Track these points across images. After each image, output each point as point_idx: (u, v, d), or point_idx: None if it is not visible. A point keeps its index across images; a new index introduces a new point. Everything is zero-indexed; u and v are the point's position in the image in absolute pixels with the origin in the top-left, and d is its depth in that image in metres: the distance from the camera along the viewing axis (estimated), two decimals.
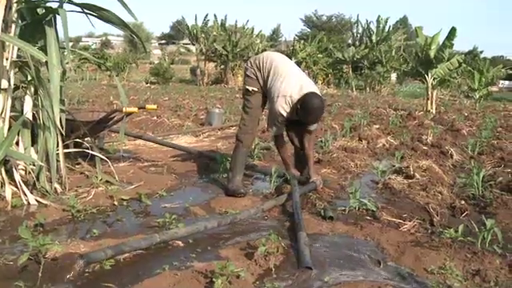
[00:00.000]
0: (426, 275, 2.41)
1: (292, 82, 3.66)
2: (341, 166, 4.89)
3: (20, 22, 3.53)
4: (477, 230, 2.89)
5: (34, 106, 3.61)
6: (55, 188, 3.50)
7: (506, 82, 40.64)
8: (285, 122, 3.78)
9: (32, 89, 3.59)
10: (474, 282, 2.35)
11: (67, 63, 4.28)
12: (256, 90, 3.86)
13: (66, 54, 3.86)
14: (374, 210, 3.39)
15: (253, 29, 30.93)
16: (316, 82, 28.16)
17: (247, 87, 3.91)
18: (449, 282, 2.32)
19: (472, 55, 34.53)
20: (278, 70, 3.74)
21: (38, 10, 3.61)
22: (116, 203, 3.38)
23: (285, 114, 3.65)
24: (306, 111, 3.59)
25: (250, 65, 3.96)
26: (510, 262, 2.60)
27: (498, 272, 2.45)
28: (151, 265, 2.36)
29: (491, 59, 24.62)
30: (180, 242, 2.66)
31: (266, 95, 3.83)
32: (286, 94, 3.61)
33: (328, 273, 2.37)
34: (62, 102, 3.60)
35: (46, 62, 3.27)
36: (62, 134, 3.56)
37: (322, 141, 6.09)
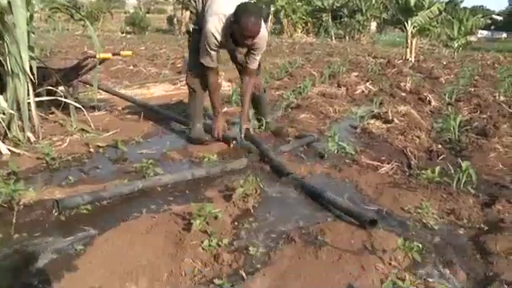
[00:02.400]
0: (403, 214, 2.45)
1: (227, 2, 3.29)
2: (319, 111, 4.86)
3: None
4: (452, 171, 2.95)
5: (1, 53, 3.44)
6: (28, 137, 3.40)
7: (485, 32, 40.71)
8: (217, 49, 3.37)
9: None
10: (449, 220, 2.41)
11: (36, 11, 4.05)
12: (196, 28, 3.53)
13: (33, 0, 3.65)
14: (353, 153, 3.40)
15: None
16: (295, 31, 27.84)
17: (189, 28, 3.69)
18: (425, 220, 2.37)
19: (452, 4, 34.20)
20: None
21: None
22: (92, 150, 3.30)
23: (218, 36, 3.25)
24: (239, 21, 3.07)
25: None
26: (483, 202, 2.68)
27: (471, 210, 2.52)
28: (128, 208, 2.34)
29: (471, 9, 24.44)
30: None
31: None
32: (218, 13, 3.26)
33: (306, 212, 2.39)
34: (30, 48, 3.43)
35: (9, 3, 3.09)
36: (32, 82, 3.42)
37: (300, 86, 6.05)
